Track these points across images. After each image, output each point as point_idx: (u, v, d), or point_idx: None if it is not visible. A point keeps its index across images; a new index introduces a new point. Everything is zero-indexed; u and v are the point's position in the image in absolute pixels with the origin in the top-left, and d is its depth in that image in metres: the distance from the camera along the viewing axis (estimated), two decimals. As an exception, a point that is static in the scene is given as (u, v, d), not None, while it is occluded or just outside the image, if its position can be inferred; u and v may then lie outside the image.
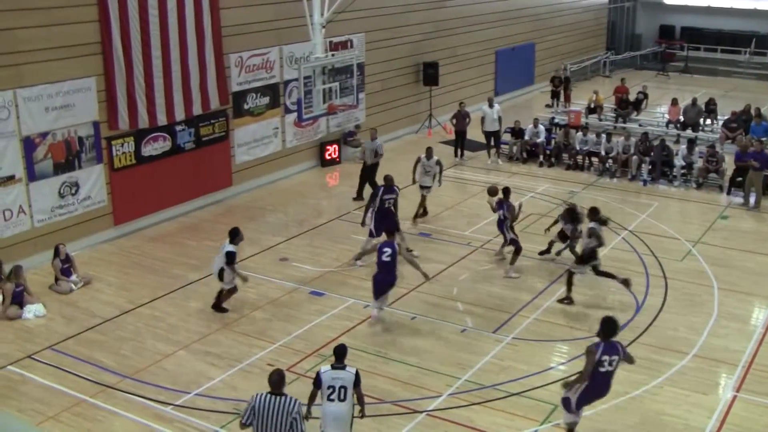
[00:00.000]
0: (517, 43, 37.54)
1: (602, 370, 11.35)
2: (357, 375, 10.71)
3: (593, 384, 11.44)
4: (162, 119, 20.92)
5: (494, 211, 18.71)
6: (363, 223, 19.11)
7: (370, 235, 18.83)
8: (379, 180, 20.23)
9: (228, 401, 13.09)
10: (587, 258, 16.91)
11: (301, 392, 13.22)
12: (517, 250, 18.27)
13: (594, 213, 17.00)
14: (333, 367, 10.74)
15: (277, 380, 9.88)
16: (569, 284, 17.00)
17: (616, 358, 11.38)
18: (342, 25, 24.50)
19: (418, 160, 21.26)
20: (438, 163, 21.22)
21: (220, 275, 16.26)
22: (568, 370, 14.20)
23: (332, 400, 10.58)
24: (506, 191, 18.84)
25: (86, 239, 19.67)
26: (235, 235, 16.29)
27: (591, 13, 45.28)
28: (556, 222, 18.94)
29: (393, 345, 15.11)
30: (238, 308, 16.52)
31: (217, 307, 16.54)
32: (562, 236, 18.80)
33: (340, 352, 10.95)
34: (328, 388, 10.58)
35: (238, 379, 13.90)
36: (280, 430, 9.68)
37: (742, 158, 23.97)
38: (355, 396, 10.75)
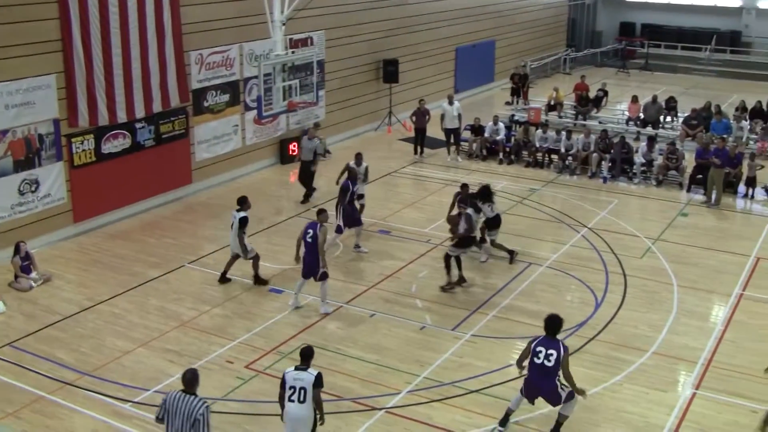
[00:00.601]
0: (478, 40, 37.66)
1: (536, 361, 11.78)
2: (317, 377, 10.71)
3: (529, 374, 12.02)
4: (122, 117, 20.76)
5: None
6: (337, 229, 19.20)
7: (338, 231, 18.90)
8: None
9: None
10: (465, 242, 17.35)
11: (260, 389, 13.40)
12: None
13: (474, 197, 17.80)
14: (296, 368, 10.77)
15: (189, 379, 9.98)
16: (448, 267, 17.33)
17: (553, 353, 11.67)
18: (302, 22, 24.47)
19: (347, 168, 20.39)
20: (366, 170, 20.65)
21: (244, 249, 16.92)
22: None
23: (292, 401, 10.62)
24: (464, 186, 19.07)
25: (46, 236, 19.49)
26: (243, 203, 17.11)
27: (551, 10, 45.51)
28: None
29: (352, 342, 15.14)
30: (197, 305, 16.46)
31: (258, 280, 17.33)
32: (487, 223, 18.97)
33: (305, 354, 10.96)
34: (290, 388, 10.63)
35: (197, 377, 13.86)
36: (183, 429, 9.74)
37: (703, 155, 24.19)
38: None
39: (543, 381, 11.88)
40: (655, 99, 31.20)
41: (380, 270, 18.35)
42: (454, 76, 36.24)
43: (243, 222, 16.99)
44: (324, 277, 16.07)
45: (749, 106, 30.57)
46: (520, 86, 35.33)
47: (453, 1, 35.00)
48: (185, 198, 22.97)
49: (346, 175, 19.73)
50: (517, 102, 35.14)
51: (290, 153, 26.40)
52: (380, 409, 13.08)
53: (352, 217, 19.16)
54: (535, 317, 16.15)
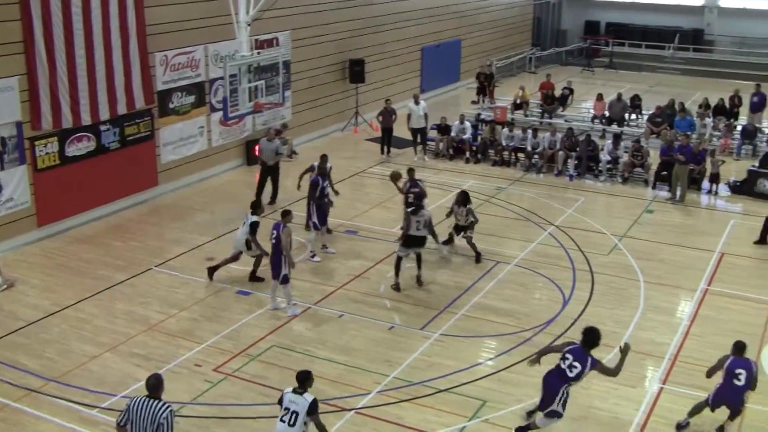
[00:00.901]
0: (443, 39, 37.72)
1: (561, 365, 11.71)
2: (312, 404, 10.43)
3: (550, 370, 11.89)
4: (86, 119, 20.55)
5: (402, 191, 19.04)
6: (306, 226, 19.25)
7: (315, 228, 18.90)
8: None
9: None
10: (408, 241, 17.41)
11: (229, 392, 13.34)
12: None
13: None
14: (294, 390, 10.57)
15: (153, 384, 9.98)
16: (397, 268, 17.40)
17: (577, 366, 11.59)
18: (267, 23, 24.36)
19: (311, 168, 20.19)
20: (330, 169, 20.23)
21: (248, 245, 17.17)
22: (496, 365, 14.39)
23: (283, 421, 10.43)
24: (411, 171, 19.58)
25: (9, 241, 19.24)
26: (257, 207, 17.35)
27: (516, 9, 45.65)
28: (452, 211, 19.24)
29: (321, 343, 15.10)
30: (164, 309, 16.34)
31: (253, 276, 17.52)
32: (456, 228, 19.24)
33: (300, 378, 10.70)
34: (284, 409, 10.47)
35: (165, 380, 13.59)
36: None
37: (668, 152, 24.46)
38: (312, 424, 10.46)
39: (553, 381, 11.81)
40: (620, 97, 31.39)
41: (348, 270, 18.32)
42: (421, 76, 36.26)
43: (254, 226, 17.00)
44: (285, 280, 16.02)
45: (712, 104, 30.81)
46: (486, 85, 35.30)
47: (418, 1, 35.01)
48: (151, 200, 22.79)
49: (314, 172, 19.67)
50: (483, 101, 35.08)
51: (256, 154, 26.22)
52: (350, 409, 13.05)
53: (325, 213, 19.18)
54: (504, 315, 16.30)
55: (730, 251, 19.85)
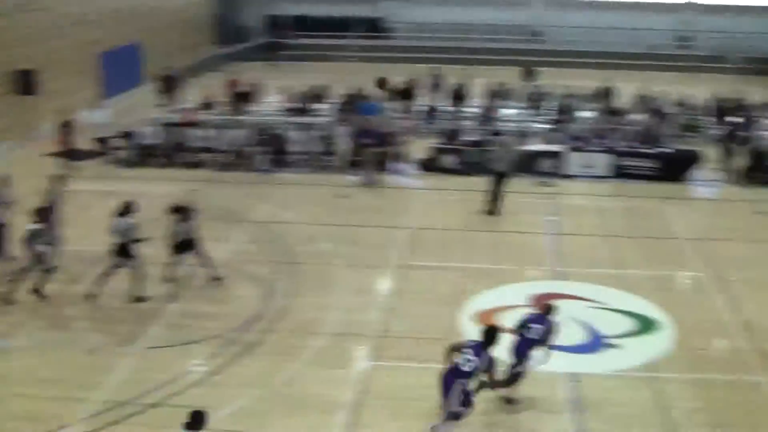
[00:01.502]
0: (122, 43, 36.51)
1: (458, 362, 11.48)
2: None
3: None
4: None
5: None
6: None
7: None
8: None
9: None
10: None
11: None
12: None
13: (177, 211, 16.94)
14: (187, 427, 9.62)
15: None
16: (99, 281, 16.58)
17: (473, 360, 11.36)
18: None
19: None
20: (10, 191, 18.71)
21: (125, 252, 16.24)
22: (205, 370, 14.03)
23: None
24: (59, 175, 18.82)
25: None
26: (128, 209, 16.32)
27: (196, 7, 45.27)
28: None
29: (11, 379, 13.80)
30: None
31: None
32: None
33: (195, 416, 9.70)
34: None
35: None
36: None
37: (356, 137, 25.32)
38: None
39: (448, 379, 11.50)
40: (307, 88, 31.95)
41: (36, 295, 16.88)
42: (101, 82, 34.75)
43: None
44: None
45: (395, 87, 32.06)
46: (171, 87, 34.65)
47: (92, 6, 33.66)
48: None
49: None
50: (169, 103, 34.34)
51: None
52: (57, 444, 12.12)
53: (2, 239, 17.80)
54: (208, 318, 16.03)
55: (420, 225, 20.90)
